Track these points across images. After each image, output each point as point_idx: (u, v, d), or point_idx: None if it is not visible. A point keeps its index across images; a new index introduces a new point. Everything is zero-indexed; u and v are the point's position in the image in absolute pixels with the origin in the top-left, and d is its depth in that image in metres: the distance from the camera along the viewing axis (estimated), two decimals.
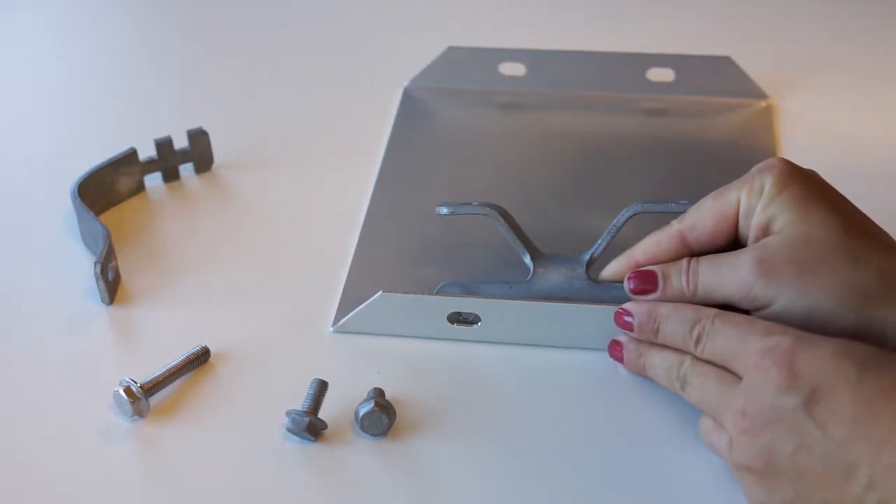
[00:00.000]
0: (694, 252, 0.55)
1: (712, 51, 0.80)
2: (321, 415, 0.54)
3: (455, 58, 0.80)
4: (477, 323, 0.58)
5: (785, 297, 0.50)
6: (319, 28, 0.94)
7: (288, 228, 0.69)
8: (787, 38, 0.90)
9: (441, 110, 0.80)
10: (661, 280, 0.54)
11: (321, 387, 0.54)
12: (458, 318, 0.59)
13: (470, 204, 0.59)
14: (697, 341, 0.51)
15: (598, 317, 0.57)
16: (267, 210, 0.71)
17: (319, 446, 0.53)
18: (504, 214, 0.59)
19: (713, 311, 0.51)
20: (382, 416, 0.53)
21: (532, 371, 0.57)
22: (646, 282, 0.54)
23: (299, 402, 0.54)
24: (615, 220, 0.57)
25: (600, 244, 0.58)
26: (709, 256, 0.53)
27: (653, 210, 0.56)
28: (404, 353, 0.59)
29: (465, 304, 0.58)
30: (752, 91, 0.79)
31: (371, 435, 0.53)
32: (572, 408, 0.55)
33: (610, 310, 0.56)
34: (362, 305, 0.59)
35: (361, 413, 0.53)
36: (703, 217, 0.54)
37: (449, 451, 0.53)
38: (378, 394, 0.54)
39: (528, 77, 0.81)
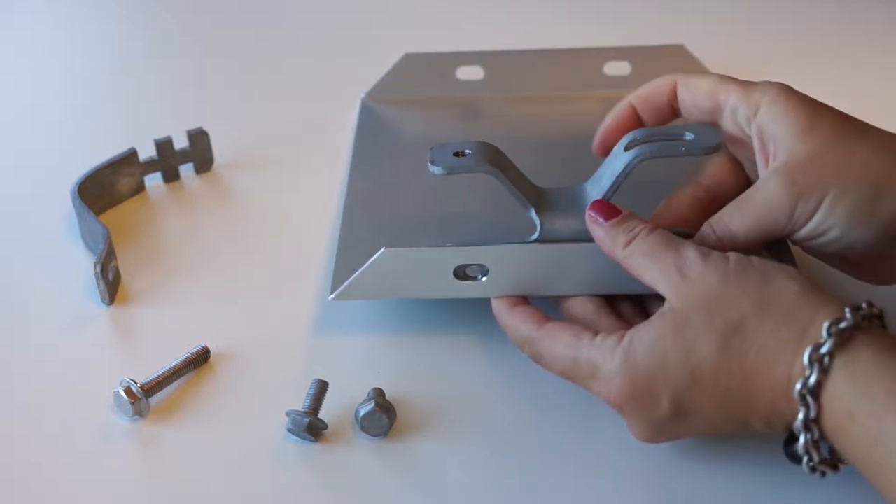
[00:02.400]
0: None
1: (666, 41, 0.81)
2: (321, 415, 0.54)
3: (413, 64, 0.80)
4: (484, 277, 0.56)
5: (827, 201, 0.50)
6: (318, 28, 0.95)
7: (288, 228, 0.70)
8: (739, 27, 0.91)
9: (401, 117, 0.80)
10: None
11: (321, 387, 0.54)
12: (464, 274, 0.56)
13: (466, 155, 0.56)
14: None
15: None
16: (267, 210, 0.71)
17: (319, 446, 0.53)
18: (499, 163, 0.56)
19: (538, 333, 0.52)
20: (382, 417, 0.53)
21: (533, 371, 0.57)
22: None
23: (299, 402, 0.54)
24: (622, 168, 0.54)
25: (607, 193, 0.55)
26: (732, 206, 0.53)
27: (658, 155, 0.54)
28: (404, 353, 0.59)
29: (473, 254, 0.55)
30: None
31: (371, 435, 0.53)
32: (574, 407, 0.55)
33: None
34: (365, 266, 0.56)
35: (361, 413, 0.53)
36: (695, 89, 0.56)
37: (449, 451, 0.53)
38: (378, 394, 0.54)
39: (486, 80, 0.81)
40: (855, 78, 0.86)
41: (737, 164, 0.56)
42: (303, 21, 0.97)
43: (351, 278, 0.57)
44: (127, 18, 1.01)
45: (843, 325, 0.44)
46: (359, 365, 0.58)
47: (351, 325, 0.61)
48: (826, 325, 0.44)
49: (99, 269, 0.61)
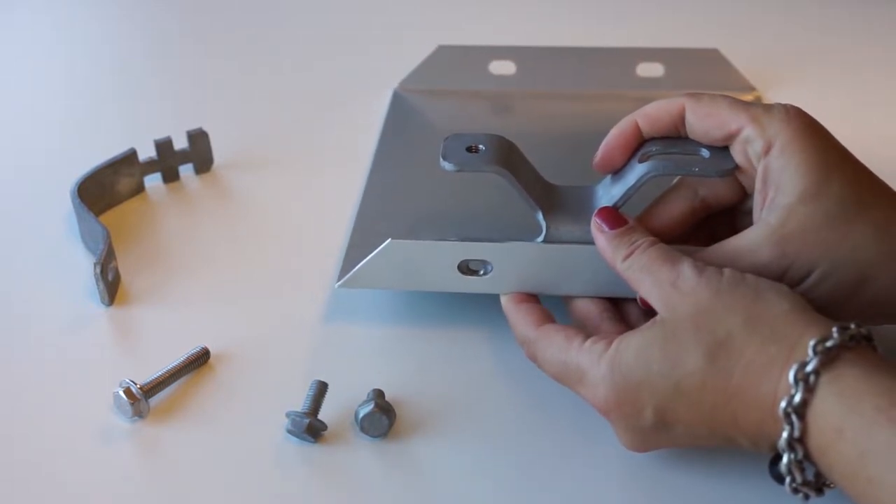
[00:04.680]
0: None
1: (700, 44, 0.81)
2: (321, 416, 0.54)
3: (446, 57, 0.80)
4: (488, 272, 0.56)
5: (812, 278, 0.50)
6: (317, 29, 0.95)
7: (287, 228, 0.70)
8: (774, 31, 0.91)
9: (432, 108, 0.81)
10: None
11: (321, 388, 0.54)
12: (467, 269, 0.57)
13: (479, 151, 0.55)
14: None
15: None
16: (267, 210, 0.72)
17: (319, 447, 0.53)
18: (511, 161, 0.56)
19: (534, 334, 0.53)
20: (382, 418, 0.53)
21: (534, 371, 0.57)
22: None
23: (299, 402, 0.54)
24: (635, 181, 0.54)
25: (617, 203, 0.55)
26: (719, 257, 0.52)
27: (672, 172, 0.54)
28: (404, 353, 0.59)
29: (477, 250, 0.56)
30: (740, 83, 0.79)
31: (371, 436, 0.53)
32: (575, 408, 0.55)
33: None
34: (370, 256, 0.57)
35: (361, 414, 0.53)
36: (705, 115, 0.53)
37: (449, 451, 0.53)
38: (378, 395, 0.54)
39: (518, 75, 0.81)
40: (889, 80, 0.86)
41: (738, 182, 0.55)
42: (305, 21, 0.97)
43: (356, 268, 0.57)
44: (127, 18, 1.01)
45: (829, 343, 0.44)
46: (358, 365, 0.58)
47: (351, 326, 0.61)
48: (812, 343, 0.44)
49: (99, 270, 0.61)
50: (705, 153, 0.54)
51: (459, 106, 0.80)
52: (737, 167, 0.53)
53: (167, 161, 0.73)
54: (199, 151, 0.74)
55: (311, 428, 0.53)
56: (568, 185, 0.58)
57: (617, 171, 0.56)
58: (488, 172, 0.55)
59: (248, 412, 0.55)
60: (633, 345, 0.48)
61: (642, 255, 0.50)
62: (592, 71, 0.81)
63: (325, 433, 0.54)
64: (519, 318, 0.54)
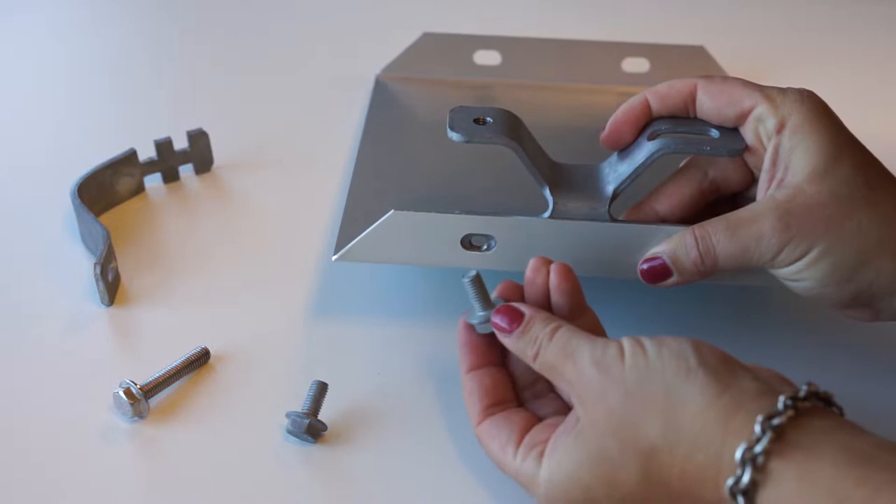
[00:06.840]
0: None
1: (687, 41, 0.81)
2: (321, 416, 0.54)
3: (431, 44, 0.80)
4: (491, 248, 0.56)
5: (812, 254, 0.50)
6: (316, 28, 0.95)
7: (288, 228, 0.70)
8: (759, 30, 0.91)
9: (415, 96, 0.80)
10: (673, 267, 0.53)
11: (321, 388, 0.54)
12: (470, 245, 0.56)
13: (486, 123, 0.55)
14: None
15: (622, 237, 0.54)
16: (267, 210, 0.72)
17: (319, 447, 0.53)
18: (519, 135, 0.55)
19: (475, 430, 0.50)
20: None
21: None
22: (657, 276, 0.53)
23: (299, 403, 0.54)
24: (644, 158, 0.54)
25: (625, 181, 0.55)
26: (721, 225, 0.52)
27: (683, 150, 0.54)
28: (405, 354, 0.59)
29: (483, 223, 0.55)
30: None
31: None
32: None
33: (636, 228, 0.54)
34: (372, 227, 0.56)
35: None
36: (718, 93, 0.53)
37: (450, 451, 0.53)
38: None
39: (503, 65, 0.81)
40: (872, 79, 0.86)
41: (746, 165, 0.55)
42: (301, 20, 0.97)
43: (356, 239, 0.56)
44: (127, 18, 1.01)
45: (757, 448, 0.41)
46: (359, 366, 0.58)
47: (351, 327, 0.61)
48: (738, 455, 0.42)
49: (98, 270, 0.61)
50: (715, 133, 0.54)
51: (442, 94, 0.80)
52: (747, 147, 0.53)
53: (167, 161, 0.73)
54: (199, 151, 0.74)
55: (311, 428, 0.53)
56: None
57: (623, 150, 0.56)
58: (498, 144, 0.54)
59: (248, 412, 0.55)
60: (564, 469, 0.45)
61: (546, 353, 0.48)
62: (578, 64, 0.80)
63: (325, 433, 0.54)
64: (465, 394, 0.51)
